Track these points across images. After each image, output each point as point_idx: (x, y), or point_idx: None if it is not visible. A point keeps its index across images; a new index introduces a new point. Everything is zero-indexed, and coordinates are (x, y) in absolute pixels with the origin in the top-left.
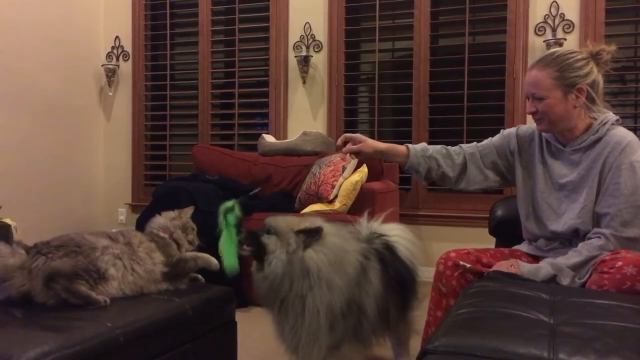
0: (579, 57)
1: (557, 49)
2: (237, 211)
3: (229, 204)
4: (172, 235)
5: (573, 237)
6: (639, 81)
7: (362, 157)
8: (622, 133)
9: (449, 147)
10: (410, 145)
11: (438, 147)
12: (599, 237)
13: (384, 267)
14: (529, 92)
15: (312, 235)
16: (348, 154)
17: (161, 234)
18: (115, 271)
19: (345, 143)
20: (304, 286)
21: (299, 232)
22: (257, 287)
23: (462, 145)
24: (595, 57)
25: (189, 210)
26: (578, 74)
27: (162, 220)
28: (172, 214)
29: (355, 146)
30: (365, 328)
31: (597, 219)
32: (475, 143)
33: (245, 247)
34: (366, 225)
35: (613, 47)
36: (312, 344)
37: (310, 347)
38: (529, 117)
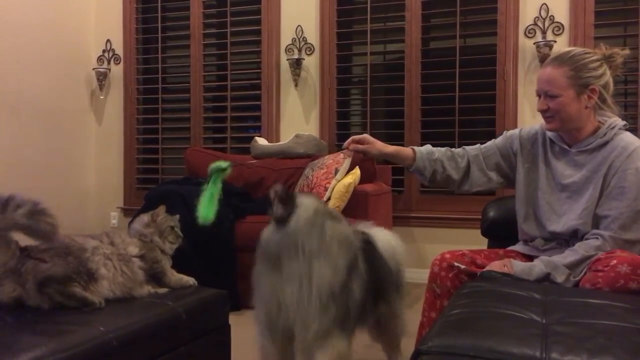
0: (594, 57)
1: (573, 48)
2: (228, 171)
3: (223, 164)
4: (151, 241)
5: (571, 238)
6: (628, 82)
7: (365, 158)
8: (630, 139)
9: (453, 149)
10: (416, 148)
11: (443, 149)
12: (597, 238)
13: (364, 257)
14: (542, 89)
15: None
16: (347, 149)
17: (143, 239)
18: (106, 271)
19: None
20: (313, 250)
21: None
22: (271, 245)
23: (465, 147)
24: (608, 59)
25: (160, 211)
26: (592, 74)
27: (137, 227)
28: (145, 219)
29: (362, 146)
30: (352, 315)
31: (596, 221)
32: (478, 145)
33: (280, 206)
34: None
35: (626, 51)
36: (306, 319)
37: (306, 321)
38: (520, 119)
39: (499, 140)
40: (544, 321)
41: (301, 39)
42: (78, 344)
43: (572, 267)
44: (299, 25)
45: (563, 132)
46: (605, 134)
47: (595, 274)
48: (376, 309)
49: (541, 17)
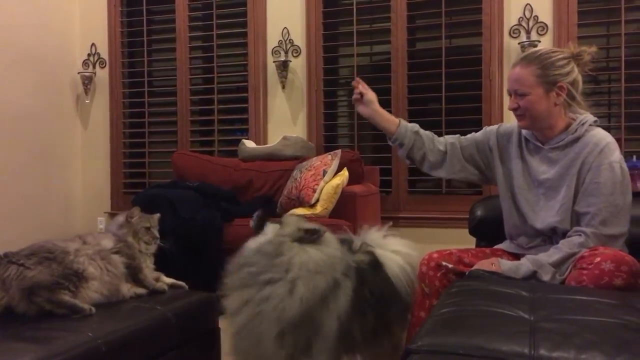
0: (561, 56)
1: (540, 47)
2: None
3: None
4: (125, 242)
5: (552, 235)
6: (611, 81)
7: (361, 110)
8: (601, 134)
9: (435, 136)
10: (401, 119)
11: (427, 131)
12: (579, 234)
13: (361, 285)
14: (512, 88)
15: (310, 235)
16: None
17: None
18: (94, 270)
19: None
20: (271, 273)
21: (301, 229)
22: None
23: (446, 136)
24: (576, 57)
25: (135, 212)
26: (560, 72)
27: (112, 229)
28: (120, 220)
29: (365, 90)
30: (317, 347)
31: (576, 218)
32: (458, 135)
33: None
34: (364, 234)
35: (593, 49)
36: (255, 343)
37: (254, 345)
38: (506, 119)
39: (478, 134)
40: (531, 318)
41: (287, 41)
42: (66, 350)
43: (557, 265)
44: (285, 28)
45: (535, 130)
46: (576, 130)
47: (580, 272)
48: (374, 341)
49: (525, 17)
